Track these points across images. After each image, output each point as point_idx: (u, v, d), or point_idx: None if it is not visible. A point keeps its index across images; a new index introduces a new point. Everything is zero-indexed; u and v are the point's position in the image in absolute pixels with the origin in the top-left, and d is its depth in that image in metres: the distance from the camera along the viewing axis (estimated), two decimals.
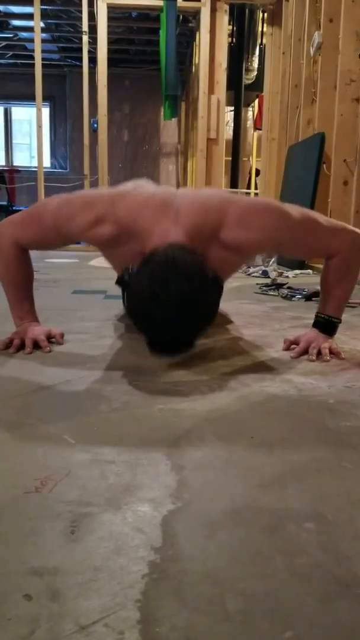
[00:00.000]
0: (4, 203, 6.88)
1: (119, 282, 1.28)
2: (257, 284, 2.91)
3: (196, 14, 5.44)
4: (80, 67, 5.61)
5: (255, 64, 6.23)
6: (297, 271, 3.49)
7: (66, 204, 1.38)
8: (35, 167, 6.07)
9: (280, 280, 3.04)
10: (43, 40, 5.91)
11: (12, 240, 1.42)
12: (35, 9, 5.19)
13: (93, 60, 5.37)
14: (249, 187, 6.81)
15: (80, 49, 5.68)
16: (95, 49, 5.33)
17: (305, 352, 1.41)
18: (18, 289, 1.49)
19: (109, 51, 5.46)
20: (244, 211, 1.34)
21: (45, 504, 0.68)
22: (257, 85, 6.12)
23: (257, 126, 6.46)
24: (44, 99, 5.63)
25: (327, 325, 1.46)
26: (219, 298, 1.25)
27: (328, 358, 1.37)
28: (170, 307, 1.14)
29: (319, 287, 1.55)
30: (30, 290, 1.51)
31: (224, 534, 0.62)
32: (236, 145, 6.19)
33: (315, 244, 1.43)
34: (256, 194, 6.18)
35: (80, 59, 5.84)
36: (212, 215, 1.33)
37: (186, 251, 1.22)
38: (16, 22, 7.22)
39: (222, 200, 1.38)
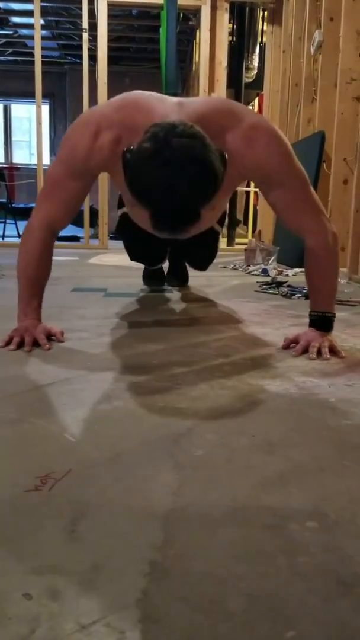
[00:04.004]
0: (4, 200, 6.87)
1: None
2: (257, 282, 2.90)
3: (197, 11, 5.43)
4: (81, 64, 5.60)
5: (256, 63, 6.23)
6: (297, 269, 3.49)
7: (64, 145, 1.39)
8: (34, 165, 6.05)
9: (280, 278, 3.03)
10: (43, 38, 5.90)
11: (43, 217, 1.42)
12: (35, 6, 5.18)
13: (93, 57, 5.36)
14: (248, 185, 6.80)
15: (80, 47, 5.68)
16: (96, 46, 5.32)
17: (305, 350, 1.41)
18: (32, 283, 1.48)
19: (109, 49, 5.45)
20: (251, 125, 1.33)
21: (45, 503, 0.67)
22: (257, 83, 6.13)
23: None
24: (44, 96, 5.63)
25: (322, 321, 1.46)
26: (223, 174, 1.15)
27: (328, 356, 1.37)
28: (172, 162, 1.07)
29: None
30: (43, 288, 1.50)
31: (226, 533, 0.62)
32: None
33: (299, 204, 1.40)
34: (256, 193, 6.17)
35: (80, 57, 5.84)
36: (221, 112, 1.30)
37: (188, 124, 1.14)
38: (16, 19, 7.21)
39: (234, 107, 1.36)
